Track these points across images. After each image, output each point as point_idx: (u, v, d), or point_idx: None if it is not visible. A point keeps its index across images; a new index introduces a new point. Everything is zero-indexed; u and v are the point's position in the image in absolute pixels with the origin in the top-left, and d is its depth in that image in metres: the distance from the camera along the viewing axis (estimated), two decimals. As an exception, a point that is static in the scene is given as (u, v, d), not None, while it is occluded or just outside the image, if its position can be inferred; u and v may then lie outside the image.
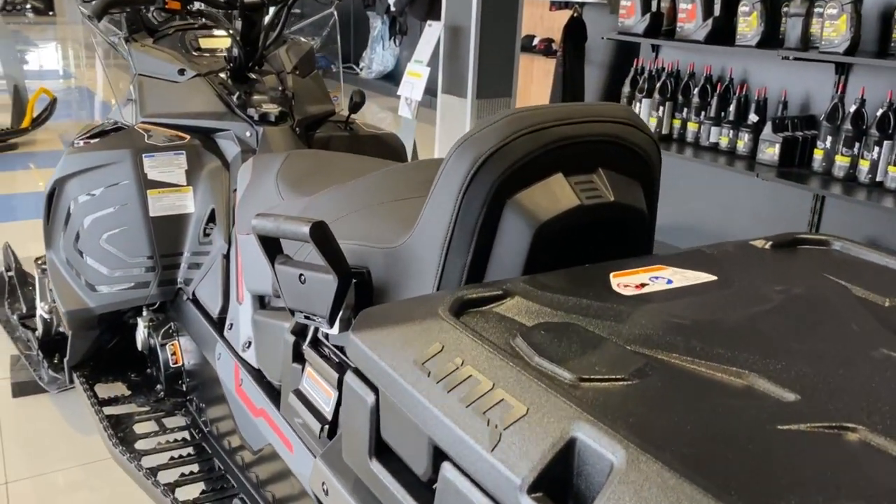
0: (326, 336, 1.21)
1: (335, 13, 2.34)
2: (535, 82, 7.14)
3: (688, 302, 0.81)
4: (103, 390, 2.13)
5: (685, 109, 3.20)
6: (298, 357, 1.25)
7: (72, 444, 2.21)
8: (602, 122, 1.01)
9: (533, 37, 6.84)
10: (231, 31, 1.99)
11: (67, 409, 2.37)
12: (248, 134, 1.94)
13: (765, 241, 1.01)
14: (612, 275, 0.89)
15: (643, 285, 0.86)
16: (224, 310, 1.72)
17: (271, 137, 1.92)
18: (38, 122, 5.85)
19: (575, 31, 5.84)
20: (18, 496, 2.01)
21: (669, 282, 0.88)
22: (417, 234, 1.02)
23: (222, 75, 2.05)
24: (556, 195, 0.97)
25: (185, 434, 1.92)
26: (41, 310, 2.40)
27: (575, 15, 5.82)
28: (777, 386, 0.64)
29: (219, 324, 1.72)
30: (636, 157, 1.05)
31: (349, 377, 0.80)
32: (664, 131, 3.28)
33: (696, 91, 3.13)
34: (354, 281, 1.10)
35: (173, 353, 1.96)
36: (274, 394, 1.41)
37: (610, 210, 1.00)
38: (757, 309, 0.80)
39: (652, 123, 3.31)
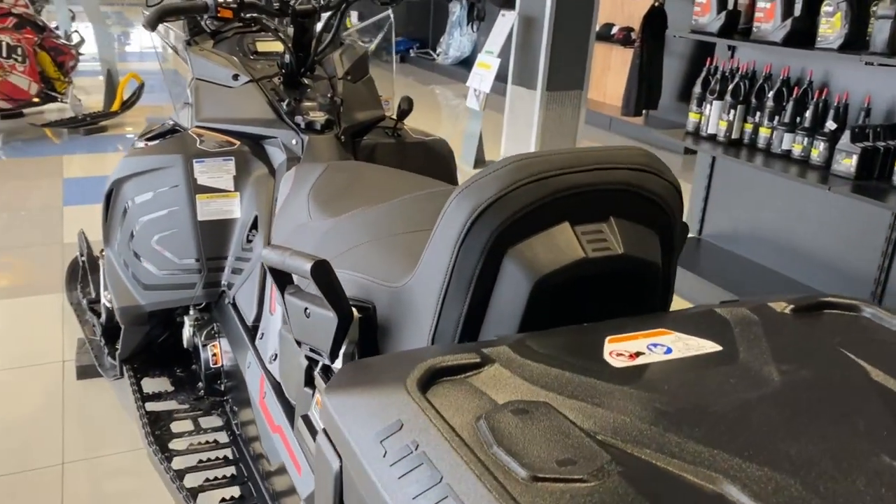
0: None
1: (391, 16, 2.33)
2: (612, 72, 6.97)
3: (680, 381, 0.77)
4: (149, 384, 2.20)
5: (758, 113, 3.05)
6: (310, 381, 1.26)
7: (125, 430, 2.31)
8: (615, 170, 0.96)
9: (612, 25, 6.67)
10: (283, 38, 2.00)
11: (125, 394, 2.47)
12: (294, 142, 1.95)
13: (787, 303, 0.94)
14: (608, 339, 0.85)
15: (638, 354, 0.82)
16: (258, 318, 1.75)
17: (315, 146, 1.92)
18: (127, 105, 6.09)
19: (655, 22, 5.66)
20: (72, 477, 2.11)
21: (668, 351, 0.83)
22: (417, 279, 1.00)
23: (276, 80, 2.06)
24: (558, 246, 0.93)
25: (218, 436, 1.97)
26: (104, 298, 2.50)
27: (656, 4, 5.63)
28: (750, 498, 0.60)
29: (252, 332, 1.75)
30: (653, 205, 0.99)
31: (320, 438, 0.79)
32: (734, 135, 3.14)
33: (770, 94, 2.97)
34: (360, 316, 1.09)
35: (214, 354, 2.01)
36: (291, 412, 1.42)
37: (618, 263, 0.95)
38: (754, 394, 0.74)
39: (721, 127, 3.16)
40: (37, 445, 2.23)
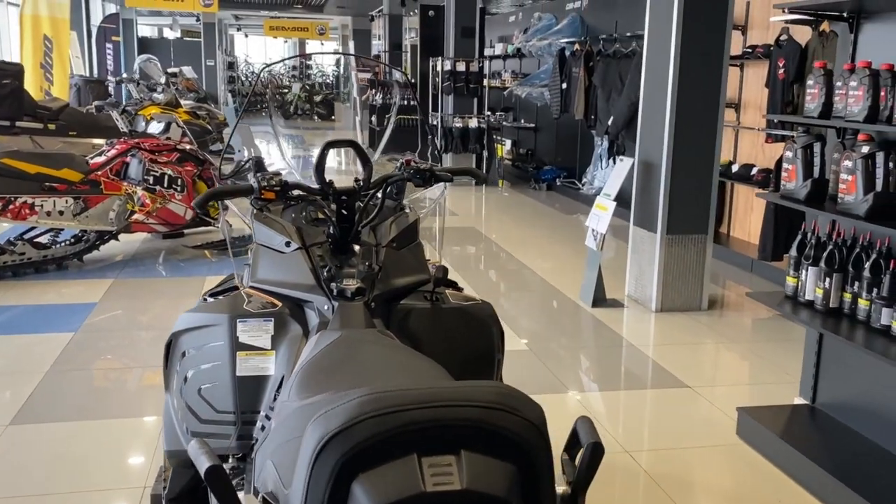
0: None
1: (446, 188, 2.45)
2: (755, 213, 6.71)
3: None
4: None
5: (856, 283, 2.82)
6: None
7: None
8: (464, 407, 0.98)
9: (752, 166, 6.46)
10: (326, 213, 2.16)
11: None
12: (325, 307, 2.07)
13: None
14: None
15: None
16: None
17: (342, 313, 2.03)
18: (275, 229, 6.65)
19: (788, 166, 5.44)
20: None
21: None
22: (291, 492, 1.05)
23: (326, 247, 2.21)
24: (400, 478, 0.96)
25: None
26: None
27: (789, 150, 5.43)
28: None
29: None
30: (507, 441, 0.99)
31: None
32: (832, 304, 2.90)
33: (867, 265, 2.75)
34: None
35: None
36: None
37: (459, 498, 0.96)
38: None
39: (818, 295, 2.95)
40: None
